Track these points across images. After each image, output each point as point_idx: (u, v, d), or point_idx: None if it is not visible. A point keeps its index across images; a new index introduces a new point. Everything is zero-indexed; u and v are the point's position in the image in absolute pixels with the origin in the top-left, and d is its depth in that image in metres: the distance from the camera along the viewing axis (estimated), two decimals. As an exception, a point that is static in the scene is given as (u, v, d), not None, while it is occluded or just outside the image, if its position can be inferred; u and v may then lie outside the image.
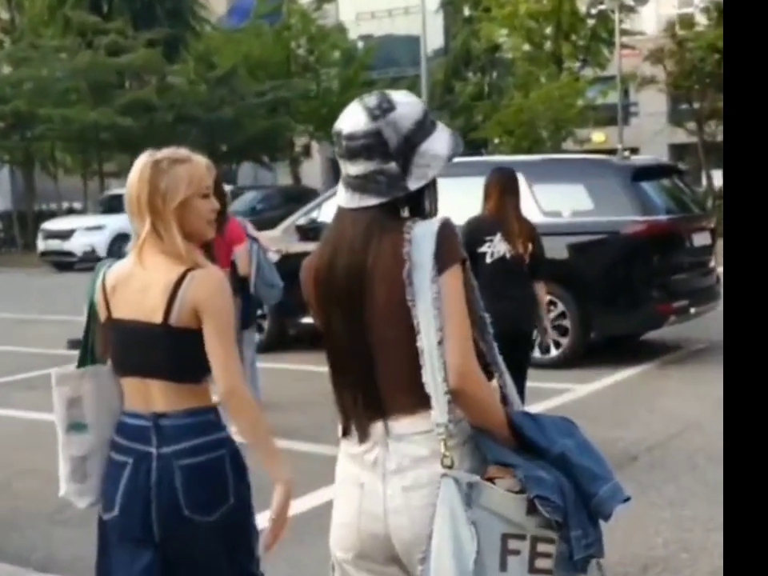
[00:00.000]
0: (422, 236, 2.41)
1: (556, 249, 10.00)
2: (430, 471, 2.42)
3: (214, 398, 3.03)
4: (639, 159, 12.15)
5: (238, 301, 7.95)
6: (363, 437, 2.51)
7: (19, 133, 32.93)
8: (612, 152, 17.86)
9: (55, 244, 26.46)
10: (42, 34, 35.16)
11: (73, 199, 37.74)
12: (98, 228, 25.72)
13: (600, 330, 10.22)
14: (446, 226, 2.43)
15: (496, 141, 31.54)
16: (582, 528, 2.40)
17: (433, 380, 2.40)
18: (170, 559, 3.01)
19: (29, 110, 30.27)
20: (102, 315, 3.09)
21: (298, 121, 35.16)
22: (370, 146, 2.45)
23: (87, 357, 3.16)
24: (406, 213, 2.52)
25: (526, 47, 32.47)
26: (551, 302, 9.99)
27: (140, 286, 2.99)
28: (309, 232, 10.90)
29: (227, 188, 16.33)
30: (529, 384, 8.00)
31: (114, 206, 26.89)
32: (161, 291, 2.95)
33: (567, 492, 2.39)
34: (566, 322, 10.04)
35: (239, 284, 7.53)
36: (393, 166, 2.46)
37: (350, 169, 2.49)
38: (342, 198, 2.54)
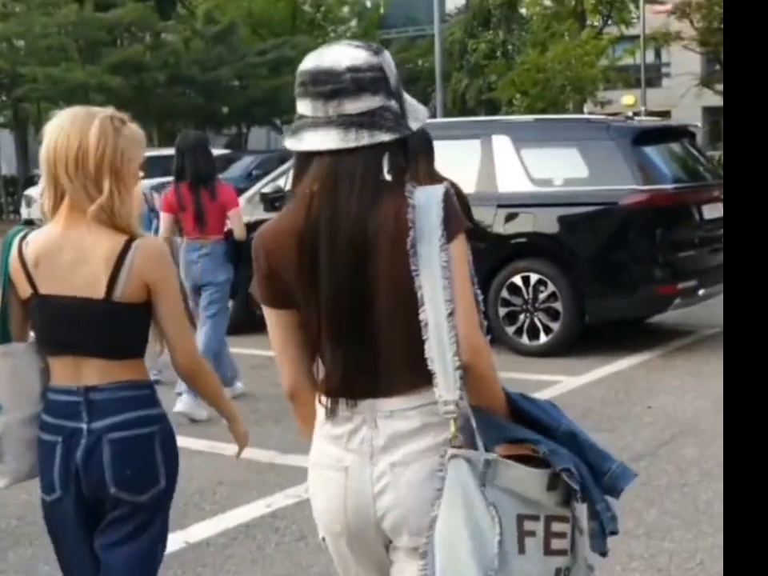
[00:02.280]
0: (426, 202, 2.32)
1: (546, 222, 9.29)
2: (421, 445, 2.37)
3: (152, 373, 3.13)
4: (643, 120, 11.19)
5: (230, 268, 7.61)
6: (350, 416, 2.43)
7: (4, 93, 32.17)
8: (637, 115, 16.91)
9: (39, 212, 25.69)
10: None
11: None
12: (85, 195, 24.82)
13: (595, 314, 9.27)
14: (451, 193, 2.34)
15: (512, 102, 30.51)
16: (602, 502, 2.39)
17: (440, 355, 2.31)
18: (98, 539, 2.99)
19: (12, 68, 29.43)
20: (24, 292, 2.95)
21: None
22: (376, 79, 2.35)
23: (1, 335, 3.03)
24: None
25: (547, 2, 31.44)
26: (540, 282, 9.21)
27: (72, 259, 2.87)
28: (275, 201, 10.15)
29: (217, 152, 15.78)
30: (512, 375, 7.33)
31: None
32: (101, 264, 2.84)
33: (581, 467, 2.35)
34: (557, 305, 9.22)
35: (235, 250, 7.55)
36: (394, 104, 2.39)
37: (350, 106, 2.34)
38: (331, 139, 2.35)
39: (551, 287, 9.20)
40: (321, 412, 2.50)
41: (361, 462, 2.43)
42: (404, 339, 2.38)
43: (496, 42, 34.54)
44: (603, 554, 2.45)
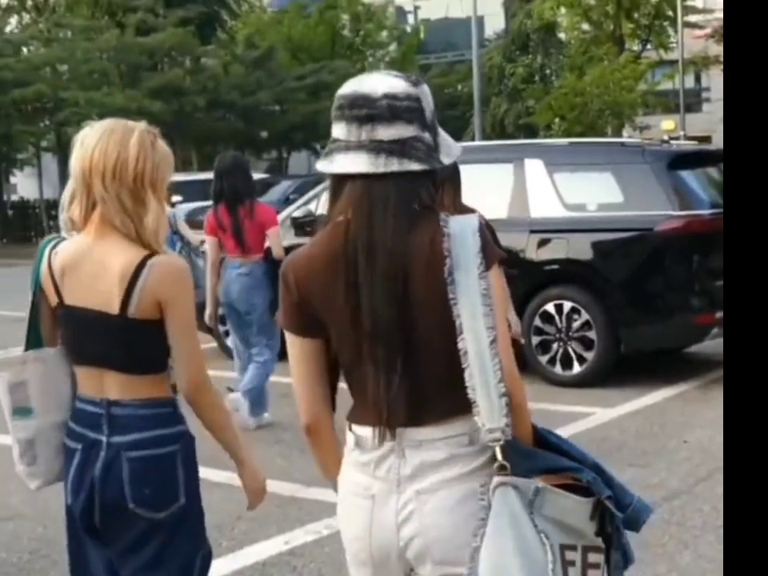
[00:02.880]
0: (462, 232, 2.32)
1: (580, 248, 8.98)
2: (449, 475, 2.36)
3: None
4: (680, 145, 10.86)
5: (269, 288, 7.56)
6: (378, 444, 2.40)
7: (47, 117, 32.27)
8: (674, 139, 16.55)
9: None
10: (76, 13, 34.49)
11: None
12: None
13: (630, 344, 8.94)
14: (483, 223, 2.35)
15: (550, 126, 30.19)
16: (624, 535, 2.40)
17: (483, 383, 2.27)
18: (113, 552, 3.00)
19: (54, 93, 29.50)
20: (52, 300, 2.98)
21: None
22: (412, 109, 2.36)
23: (32, 340, 3.09)
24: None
25: (585, 26, 31.13)
26: (574, 310, 8.90)
27: (93, 271, 2.87)
28: (305, 225, 9.95)
29: (256, 176, 15.65)
30: (544, 406, 7.05)
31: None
32: (116, 279, 2.83)
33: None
34: (591, 334, 8.89)
35: (274, 269, 7.35)
36: (428, 136, 2.38)
37: (383, 132, 2.34)
38: (361, 163, 2.35)
39: (585, 315, 8.89)
40: (350, 439, 2.49)
41: (387, 490, 2.41)
42: (440, 368, 2.37)
43: (534, 66, 34.29)
44: None
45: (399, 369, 2.37)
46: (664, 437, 7.24)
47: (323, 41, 35.33)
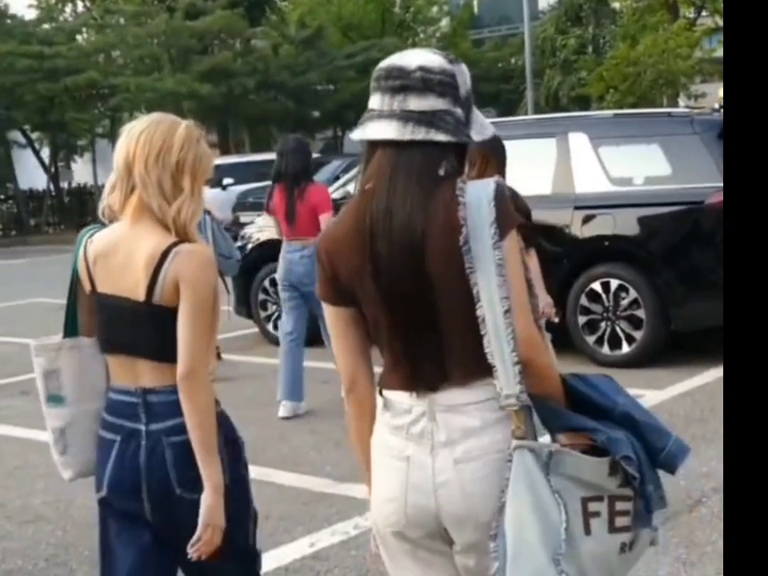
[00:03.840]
0: (477, 199, 2.35)
1: (627, 223, 8.59)
2: (483, 443, 2.40)
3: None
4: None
5: None
6: (409, 408, 2.46)
7: (100, 104, 32.26)
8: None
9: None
10: (128, -1, 34.49)
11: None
12: (175, 202, 24.52)
13: (681, 322, 8.50)
14: (501, 189, 2.38)
15: (603, 98, 29.52)
16: (654, 482, 2.43)
17: (498, 350, 2.34)
18: (163, 538, 2.98)
19: (104, 79, 29.41)
20: (87, 287, 3.00)
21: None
22: (445, 83, 2.41)
23: (69, 328, 3.09)
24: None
25: (637, -7, 30.37)
26: (621, 288, 8.50)
27: (123, 258, 2.90)
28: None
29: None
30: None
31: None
32: (143, 265, 2.85)
33: (638, 449, 2.40)
34: (640, 312, 8.52)
35: None
36: (459, 111, 2.42)
37: (414, 103, 2.40)
38: (389, 131, 2.40)
39: (633, 293, 8.51)
40: (380, 402, 2.53)
41: (422, 452, 2.44)
42: (462, 333, 2.40)
43: (586, 37, 33.54)
44: (654, 541, 2.50)
45: (424, 336, 2.42)
46: (715, 421, 6.83)
47: (373, 18, 34.94)
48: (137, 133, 2.91)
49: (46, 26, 33.51)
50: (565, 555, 2.29)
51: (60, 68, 28.69)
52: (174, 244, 2.87)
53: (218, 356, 9.09)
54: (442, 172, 2.41)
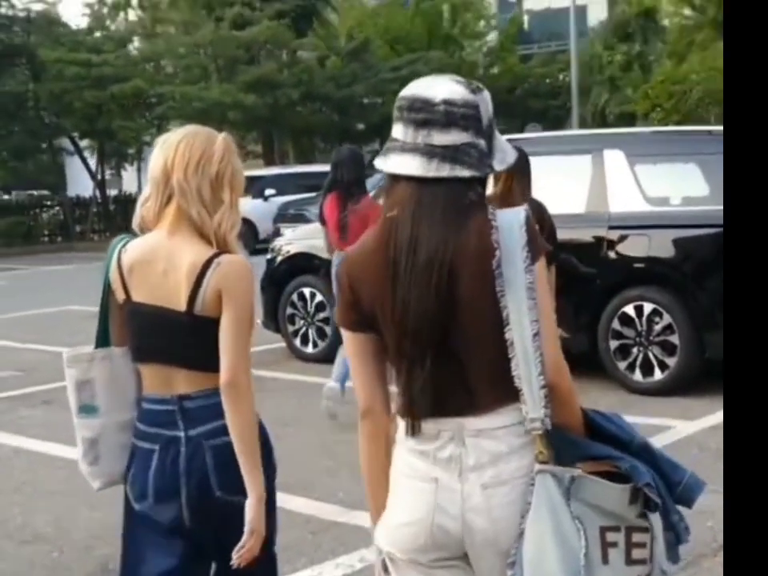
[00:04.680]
0: (509, 224, 2.37)
1: (662, 245, 8.20)
2: (510, 468, 2.39)
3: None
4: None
5: None
6: (437, 433, 2.43)
7: (147, 113, 32.28)
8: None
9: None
10: (178, 8, 34.41)
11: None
12: (216, 213, 24.36)
13: (716, 350, 8.01)
14: (530, 217, 2.41)
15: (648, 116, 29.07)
16: (677, 513, 2.44)
17: (527, 373, 2.35)
18: (201, 545, 2.99)
19: (150, 88, 29.39)
20: (120, 297, 2.98)
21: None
22: (468, 116, 2.40)
23: (101, 338, 3.07)
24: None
25: (686, 11, 29.88)
26: (655, 312, 8.12)
27: (162, 268, 2.89)
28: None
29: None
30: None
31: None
32: (185, 275, 2.84)
33: (657, 480, 2.39)
34: (674, 338, 8.11)
35: None
36: (482, 142, 2.42)
37: (438, 137, 2.39)
38: (414, 166, 2.40)
39: (667, 318, 8.11)
40: (402, 427, 2.50)
41: (450, 477, 2.42)
42: (490, 357, 2.40)
43: (632, 53, 33.14)
44: (676, 562, 2.48)
45: (450, 361, 2.40)
46: (749, 456, 6.44)
47: (420, 32, 34.76)
48: (175, 142, 2.90)
49: (97, 34, 33.61)
50: None
51: (107, 76, 28.70)
52: (216, 255, 2.87)
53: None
54: (467, 202, 2.41)
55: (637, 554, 2.38)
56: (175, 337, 2.91)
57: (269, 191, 25.12)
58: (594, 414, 2.51)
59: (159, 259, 2.91)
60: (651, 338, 8.20)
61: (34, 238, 31.00)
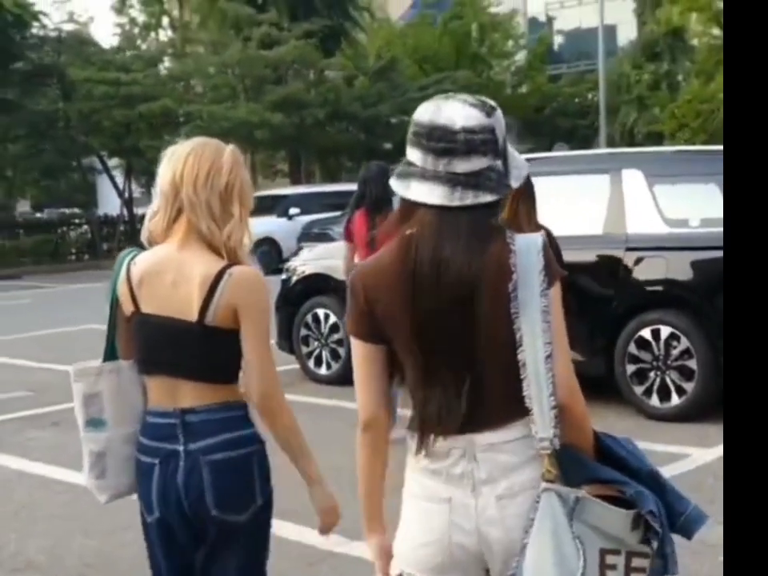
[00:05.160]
0: (527, 248, 2.42)
1: (681, 267, 7.99)
2: (523, 479, 2.43)
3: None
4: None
5: None
6: (448, 450, 2.46)
7: (175, 132, 32.35)
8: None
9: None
10: (209, 28, 34.48)
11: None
12: (236, 233, 24.24)
13: (736, 375, 7.86)
14: (547, 243, 2.45)
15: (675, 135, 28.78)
16: (671, 545, 2.45)
17: (537, 394, 2.40)
18: (198, 561, 2.99)
19: (178, 107, 29.39)
20: (127, 309, 2.98)
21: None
22: (487, 141, 2.44)
23: (109, 352, 3.07)
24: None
25: (715, 31, 29.59)
26: (673, 336, 7.89)
27: (173, 279, 2.89)
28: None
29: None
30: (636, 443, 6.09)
31: (262, 207, 25.91)
32: (197, 287, 2.85)
33: (661, 509, 2.43)
34: (692, 363, 7.87)
35: None
36: (499, 163, 2.47)
37: (459, 165, 2.43)
38: (437, 195, 2.43)
39: (685, 342, 7.87)
40: (413, 446, 2.51)
41: (463, 494, 2.45)
42: (502, 377, 2.43)
43: (660, 72, 32.88)
44: None
45: (465, 381, 2.43)
46: (767, 487, 6.19)
47: (448, 51, 34.67)
48: (183, 155, 2.89)
49: (127, 54, 33.75)
50: None
51: (136, 95, 28.76)
52: (228, 266, 2.86)
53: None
54: (488, 226, 2.45)
55: None
56: (184, 348, 2.90)
57: (293, 210, 25.04)
58: (606, 438, 2.53)
59: (169, 271, 2.90)
60: (669, 362, 7.97)
61: (61, 256, 31.08)
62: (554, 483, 2.38)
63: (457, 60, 34.98)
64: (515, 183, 2.49)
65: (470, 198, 2.43)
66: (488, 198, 2.44)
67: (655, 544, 2.40)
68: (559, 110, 40.35)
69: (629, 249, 8.14)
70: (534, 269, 2.40)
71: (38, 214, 41.09)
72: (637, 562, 2.41)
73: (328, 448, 7.44)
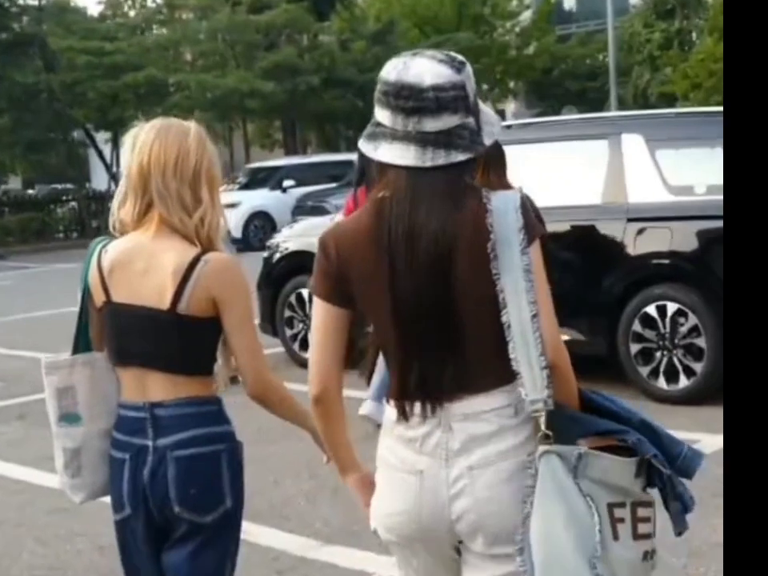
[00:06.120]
0: (504, 207, 2.44)
1: (687, 239, 7.71)
2: (499, 448, 2.45)
3: (220, 389, 3.03)
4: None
5: None
6: (424, 419, 2.49)
7: (158, 102, 32.04)
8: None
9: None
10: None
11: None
12: (232, 206, 23.58)
13: (748, 353, 7.58)
14: (527, 199, 2.49)
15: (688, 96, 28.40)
16: (681, 483, 2.49)
17: (526, 355, 2.41)
18: (168, 560, 2.99)
19: (164, 76, 29.06)
20: (99, 299, 2.97)
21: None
22: (457, 98, 2.44)
23: (81, 344, 3.07)
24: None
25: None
26: (680, 312, 7.61)
27: (144, 267, 2.89)
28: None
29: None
30: None
31: (255, 179, 25.66)
32: (170, 275, 2.85)
33: (659, 453, 2.47)
34: (701, 341, 7.58)
35: None
36: (472, 120, 2.48)
37: (429, 124, 2.43)
38: (409, 156, 2.45)
39: (693, 319, 7.58)
40: (392, 414, 2.55)
41: (436, 465, 2.47)
42: (484, 341, 2.46)
43: (671, 30, 32.46)
44: (682, 532, 2.51)
45: (444, 346, 2.45)
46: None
47: (449, 12, 34.31)
48: (149, 143, 2.88)
49: (112, 21, 33.41)
50: (600, 558, 2.33)
51: (120, 64, 28.43)
52: (202, 253, 2.87)
53: (234, 379, 8.40)
54: (462, 186, 2.46)
55: (642, 528, 2.44)
56: (155, 337, 2.91)
57: (287, 182, 24.80)
58: (590, 393, 2.57)
59: (141, 259, 2.91)
60: (676, 341, 7.68)
61: (48, 235, 30.85)
62: (552, 444, 2.39)
63: (458, 22, 34.62)
64: (488, 140, 2.50)
65: (441, 158, 2.44)
66: (460, 156, 2.45)
67: (655, 492, 2.46)
68: (568, 72, 40.00)
69: (630, 219, 7.84)
70: (513, 227, 2.41)
71: (30, 191, 40.84)
72: (642, 512, 2.45)
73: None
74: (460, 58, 2.49)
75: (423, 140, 2.44)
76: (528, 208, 2.46)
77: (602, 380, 8.12)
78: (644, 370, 7.82)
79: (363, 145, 2.54)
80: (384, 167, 2.51)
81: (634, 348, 7.85)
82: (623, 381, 7.86)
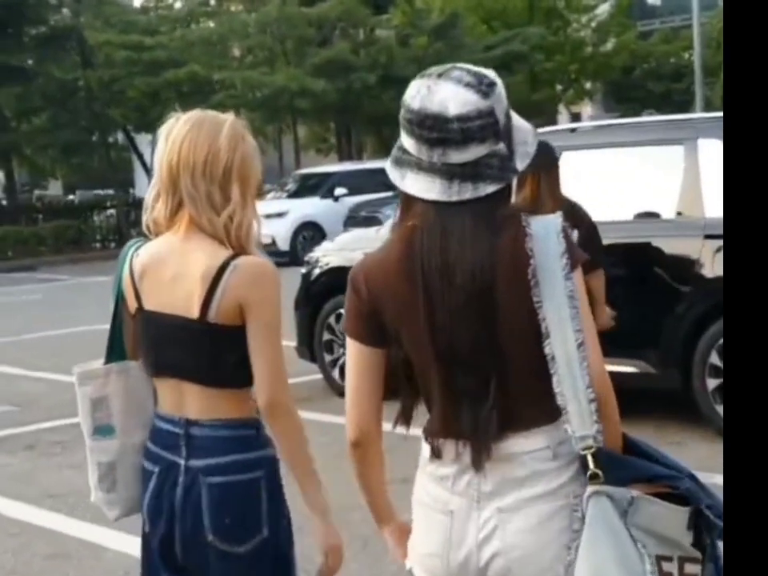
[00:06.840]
0: (545, 232, 2.47)
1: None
2: (532, 492, 2.47)
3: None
4: None
5: None
6: (456, 457, 2.53)
7: (202, 101, 32.14)
8: None
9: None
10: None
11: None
12: (279, 215, 23.75)
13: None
14: (566, 225, 2.51)
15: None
16: (720, 547, 2.46)
17: (572, 387, 2.42)
18: None
19: (207, 73, 29.12)
20: (132, 305, 3.05)
21: (540, 81, 32.91)
22: (485, 126, 2.46)
23: (114, 352, 3.13)
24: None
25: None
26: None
27: (174, 273, 2.95)
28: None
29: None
30: (710, 477, 5.69)
31: (305, 186, 25.61)
32: (198, 281, 2.90)
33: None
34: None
35: None
36: (502, 146, 2.50)
37: (454, 156, 2.46)
38: (434, 190, 2.49)
39: (712, 331, 7.43)
40: (426, 450, 2.60)
41: (467, 506, 2.52)
42: (526, 376, 2.48)
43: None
44: None
45: (482, 384, 2.47)
46: None
47: (519, 5, 34.27)
48: (179, 140, 2.92)
49: (153, 14, 33.60)
50: None
51: (161, 60, 28.52)
52: (233, 257, 2.90)
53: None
54: (496, 217, 2.47)
55: None
56: (187, 347, 2.95)
57: (339, 190, 24.75)
58: (636, 439, 2.58)
59: (171, 263, 2.96)
60: (758, 375, 7.37)
61: (84, 244, 31.01)
62: (603, 485, 2.38)
63: (529, 16, 34.59)
64: (521, 163, 2.51)
65: (469, 192, 2.47)
66: (489, 188, 2.47)
67: (712, 543, 2.44)
68: (650, 71, 39.68)
69: (708, 236, 7.57)
70: (555, 252, 2.43)
71: (71, 197, 41.14)
72: (689, 569, 2.44)
73: (347, 480, 6.98)
74: (490, 77, 2.48)
75: (449, 172, 2.47)
76: (569, 233, 2.49)
77: (673, 419, 7.88)
78: (721, 408, 7.50)
79: (390, 171, 2.57)
80: (411, 197, 2.54)
81: (712, 383, 7.58)
82: (697, 420, 7.65)
